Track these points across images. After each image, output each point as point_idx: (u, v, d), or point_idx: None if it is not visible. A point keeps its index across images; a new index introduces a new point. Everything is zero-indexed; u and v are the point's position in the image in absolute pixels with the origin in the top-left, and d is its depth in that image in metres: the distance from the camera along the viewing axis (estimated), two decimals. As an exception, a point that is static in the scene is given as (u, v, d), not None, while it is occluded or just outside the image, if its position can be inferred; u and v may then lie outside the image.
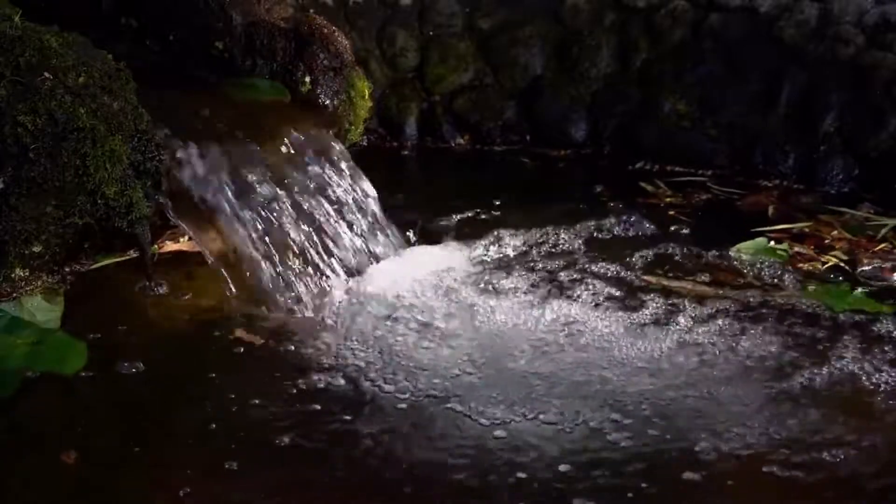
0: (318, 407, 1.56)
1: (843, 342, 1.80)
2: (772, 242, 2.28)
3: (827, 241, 2.34)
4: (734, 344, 1.79)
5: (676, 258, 2.22)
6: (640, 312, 1.92)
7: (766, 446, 1.46)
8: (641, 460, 1.43)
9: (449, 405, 1.57)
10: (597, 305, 1.94)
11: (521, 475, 1.39)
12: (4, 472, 1.38)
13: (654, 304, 1.95)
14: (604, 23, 3.19)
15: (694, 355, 1.75)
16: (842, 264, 2.19)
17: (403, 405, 1.57)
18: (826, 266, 2.18)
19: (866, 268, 2.17)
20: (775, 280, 2.10)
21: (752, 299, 1.98)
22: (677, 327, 1.85)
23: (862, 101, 2.80)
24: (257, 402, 1.57)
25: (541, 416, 1.53)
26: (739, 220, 2.53)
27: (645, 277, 2.09)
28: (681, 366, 1.72)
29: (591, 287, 2.02)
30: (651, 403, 1.58)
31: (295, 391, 1.61)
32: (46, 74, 1.57)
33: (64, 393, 1.60)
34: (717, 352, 1.77)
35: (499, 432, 1.49)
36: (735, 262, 2.19)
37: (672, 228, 2.43)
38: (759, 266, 2.16)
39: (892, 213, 2.52)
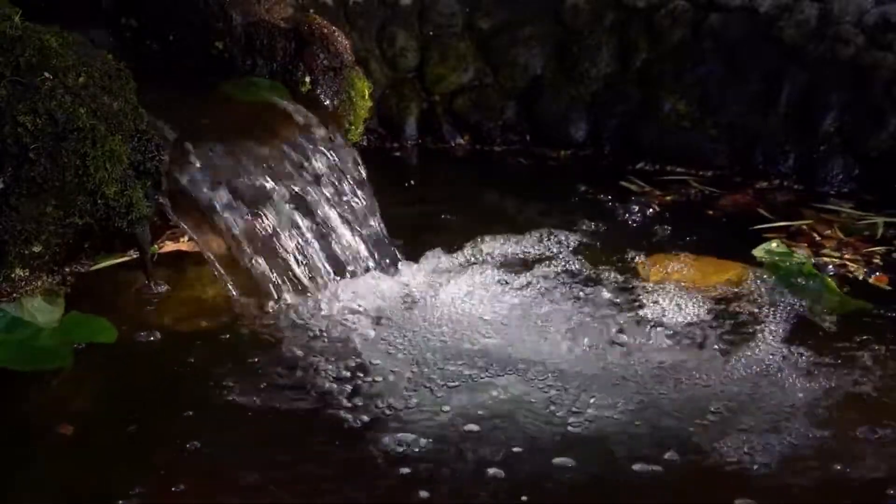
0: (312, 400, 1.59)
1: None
2: (774, 244, 2.27)
3: (818, 240, 2.36)
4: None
5: (667, 252, 2.25)
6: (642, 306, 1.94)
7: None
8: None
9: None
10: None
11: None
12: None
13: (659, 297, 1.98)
14: (604, 23, 3.19)
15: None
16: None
17: (396, 390, 1.61)
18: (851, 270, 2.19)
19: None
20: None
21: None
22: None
23: (862, 101, 2.80)
24: (253, 398, 1.58)
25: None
26: (722, 216, 2.58)
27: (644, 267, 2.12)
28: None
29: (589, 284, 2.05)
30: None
31: (291, 388, 1.62)
32: (46, 74, 1.57)
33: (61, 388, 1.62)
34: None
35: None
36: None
37: (659, 225, 2.45)
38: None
39: (871, 209, 2.56)
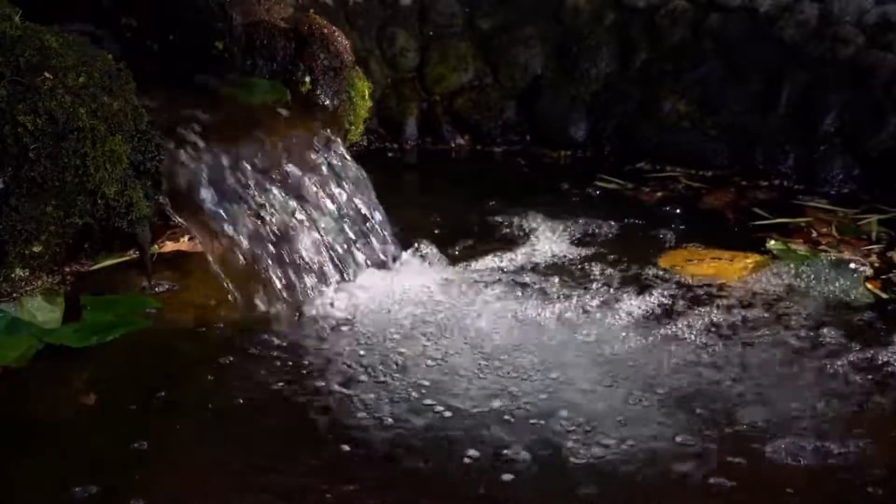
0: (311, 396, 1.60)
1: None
2: (773, 242, 2.29)
3: (814, 237, 2.37)
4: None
5: (675, 246, 2.29)
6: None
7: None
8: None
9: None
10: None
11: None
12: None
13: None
14: (604, 23, 3.19)
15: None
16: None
17: (389, 392, 1.62)
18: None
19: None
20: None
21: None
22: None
23: (862, 101, 2.80)
24: (252, 397, 1.59)
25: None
26: (708, 214, 2.61)
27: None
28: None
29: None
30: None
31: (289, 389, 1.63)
32: (46, 74, 1.57)
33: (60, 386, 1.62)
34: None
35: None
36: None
37: (657, 220, 2.48)
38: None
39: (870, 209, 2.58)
